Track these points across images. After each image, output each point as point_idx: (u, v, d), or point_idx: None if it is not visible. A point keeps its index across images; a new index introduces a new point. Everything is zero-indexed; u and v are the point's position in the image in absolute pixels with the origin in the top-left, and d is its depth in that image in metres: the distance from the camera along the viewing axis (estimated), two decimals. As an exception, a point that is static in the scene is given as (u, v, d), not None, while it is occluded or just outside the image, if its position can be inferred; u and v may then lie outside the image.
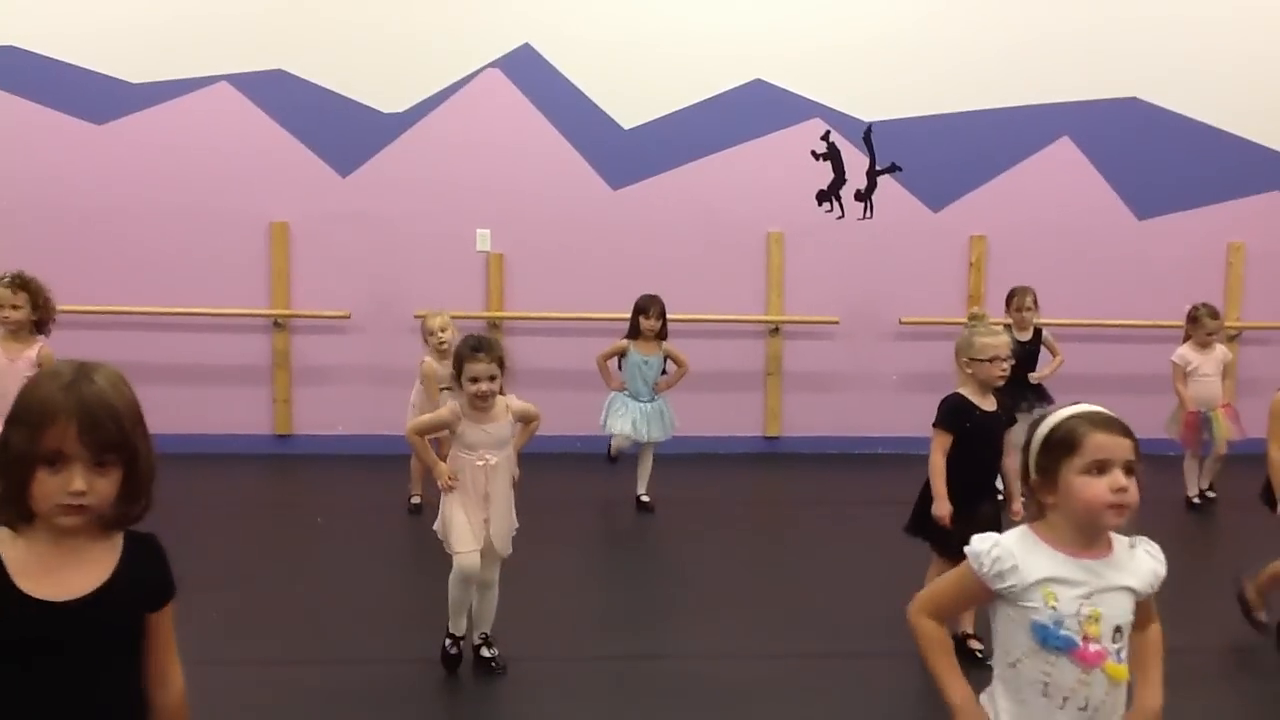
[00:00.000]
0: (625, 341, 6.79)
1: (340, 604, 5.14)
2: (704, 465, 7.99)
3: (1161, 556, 2.34)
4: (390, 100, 8.21)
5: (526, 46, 8.28)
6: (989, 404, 4.56)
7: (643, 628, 5.06)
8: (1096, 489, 2.20)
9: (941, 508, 4.44)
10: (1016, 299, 7.31)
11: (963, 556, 4.47)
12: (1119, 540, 2.31)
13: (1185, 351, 7.09)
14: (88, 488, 1.90)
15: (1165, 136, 8.73)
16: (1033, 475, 2.32)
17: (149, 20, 7.98)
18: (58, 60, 7.95)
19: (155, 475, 2.05)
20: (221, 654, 4.32)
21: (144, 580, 2.05)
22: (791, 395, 8.71)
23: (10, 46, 7.92)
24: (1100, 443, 2.22)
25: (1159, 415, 7.83)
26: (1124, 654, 2.26)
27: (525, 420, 4.39)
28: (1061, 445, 2.25)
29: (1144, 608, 2.34)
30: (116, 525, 2.01)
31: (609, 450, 6.96)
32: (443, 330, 6.46)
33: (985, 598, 2.32)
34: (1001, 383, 4.55)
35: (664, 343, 6.82)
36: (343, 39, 8.13)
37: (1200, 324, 7.04)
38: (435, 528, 4.38)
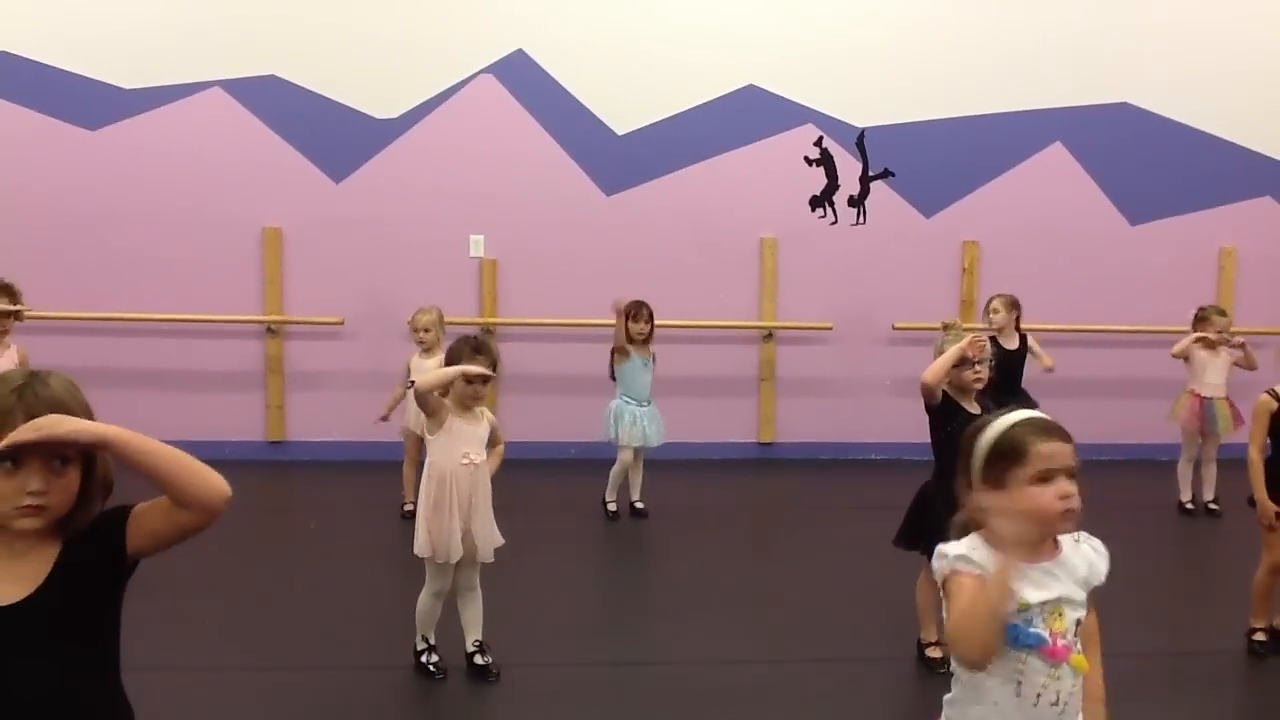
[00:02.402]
0: (626, 345, 6.80)
1: (333, 610, 5.13)
2: (697, 471, 7.98)
3: (1104, 551, 2.38)
4: (383, 106, 8.21)
5: (520, 52, 8.29)
6: (971, 408, 4.56)
7: (635, 633, 5.06)
8: (1046, 498, 2.23)
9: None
10: (990, 303, 7.31)
11: None
12: (1064, 539, 2.35)
13: (1189, 346, 7.11)
14: (46, 487, 1.87)
15: (1157, 142, 8.75)
16: (976, 483, 2.34)
17: (141, 26, 7.97)
18: (50, 66, 7.94)
19: (113, 485, 2.00)
20: (214, 660, 4.31)
21: (90, 557, 1.96)
22: (785, 401, 8.71)
23: (2, 52, 7.91)
24: (1046, 451, 2.25)
25: (1152, 419, 7.87)
26: (1079, 645, 2.31)
27: (494, 441, 4.39)
28: (1009, 455, 2.27)
29: (1089, 612, 2.38)
30: (72, 529, 1.95)
31: (606, 508, 6.87)
32: (426, 330, 6.63)
33: None
34: (978, 386, 4.53)
35: (652, 347, 6.89)
36: (336, 44, 8.13)
37: (1210, 322, 7.07)
38: (416, 550, 4.36)
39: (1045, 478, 2.23)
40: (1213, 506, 7.12)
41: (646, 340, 6.84)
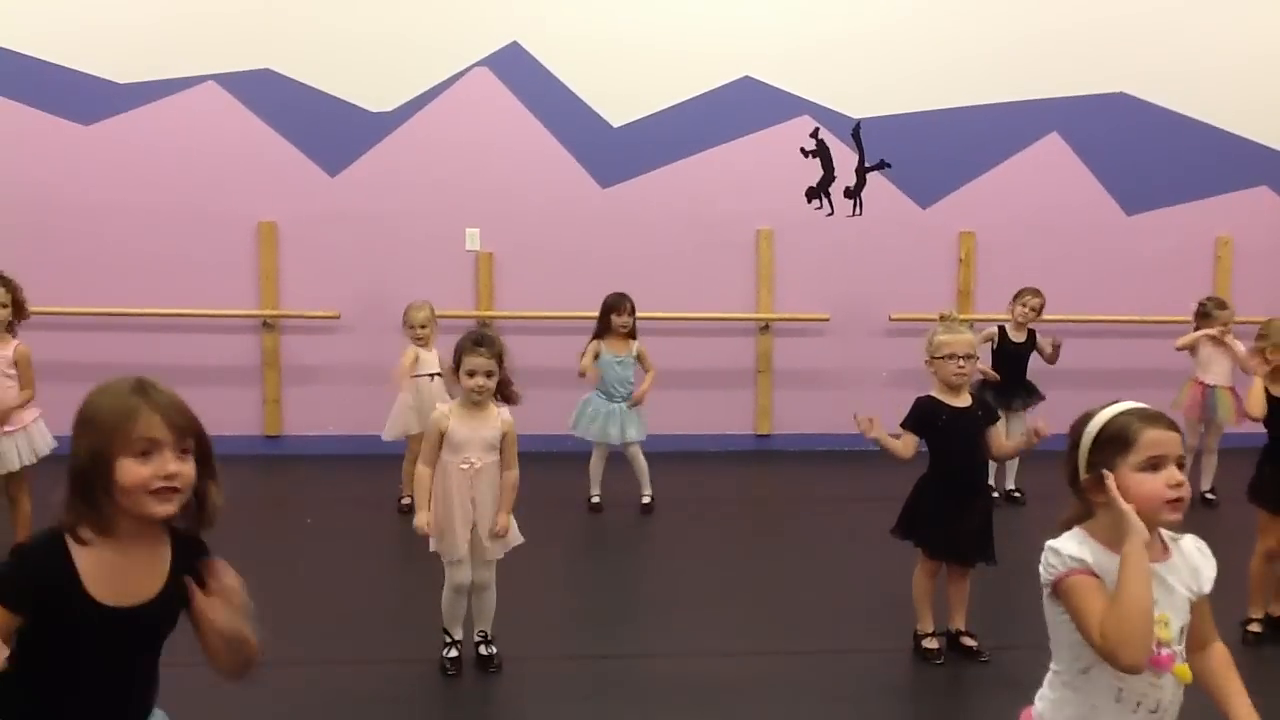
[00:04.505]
0: (597, 343, 6.75)
1: (330, 605, 5.13)
2: (695, 463, 7.98)
3: (1210, 553, 2.33)
4: (378, 99, 8.19)
5: (515, 45, 8.27)
6: (960, 400, 4.56)
7: (634, 626, 5.07)
8: (1154, 485, 2.18)
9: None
10: (1022, 297, 7.18)
11: (952, 557, 4.47)
12: (1170, 540, 2.30)
13: (1190, 337, 7.15)
14: (178, 470, 2.06)
15: (1153, 132, 8.75)
16: (1082, 474, 2.28)
17: (135, 20, 7.95)
18: (44, 61, 7.91)
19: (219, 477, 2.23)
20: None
21: (192, 567, 2.19)
22: (782, 393, 8.71)
23: (-4, 47, 7.90)
24: (1155, 438, 2.20)
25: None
26: (1184, 653, 2.26)
27: (506, 462, 4.30)
28: (1114, 442, 2.23)
29: (1202, 616, 2.32)
30: (202, 519, 2.17)
31: (590, 502, 6.88)
32: (423, 326, 6.65)
33: None
34: (959, 381, 4.53)
35: (635, 342, 6.80)
36: (330, 38, 8.11)
37: (1213, 318, 7.09)
38: (433, 548, 4.36)
39: (1154, 465, 2.19)
40: (1209, 496, 7.11)
41: (629, 334, 6.76)
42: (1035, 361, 7.28)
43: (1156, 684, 2.22)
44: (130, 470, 2.02)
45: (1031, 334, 7.23)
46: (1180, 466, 2.20)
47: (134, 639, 2.13)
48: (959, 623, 4.63)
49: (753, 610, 5.19)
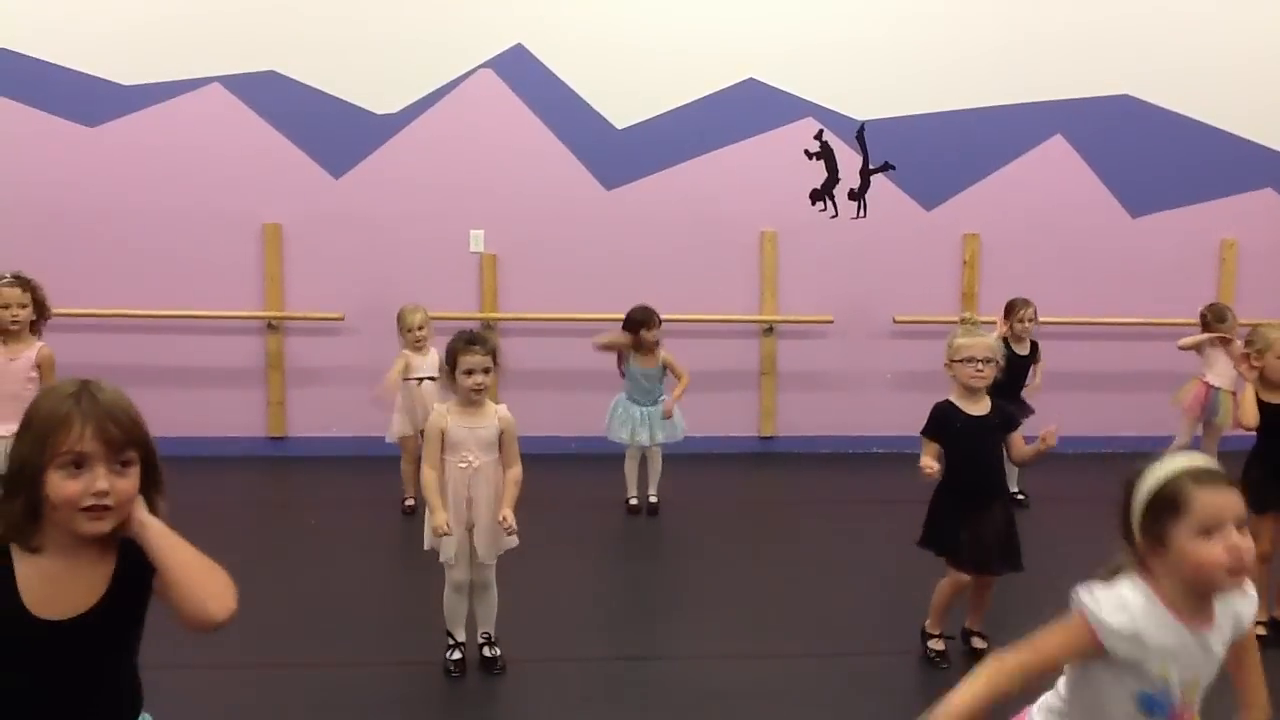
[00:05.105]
0: (627, 337, 6.73)
1: (334, 606, 5.13)
2: (698, 465, 7.98)
3: (1254, 594, 2.27)
4: (383, 101, 8.20)
5: (519, 47, 8.27)
6: (978, 407, 4.46)
7: (638, 628, 5.07)
8: (1212, 553, 2.08)
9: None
10: (1018, 310, 7.01)
11: (975, 568, 4.42)
12: (1217, 600, 2.22)
13: (1200, 342, 7.14)
14: (110, 488, 1.92)
15: (1158, 134, 8.74)
16: (1137, 538, 2.19)
17: (140, 22, 7.96)
18: (49, 63, 7.93)
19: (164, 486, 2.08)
20: (214, 657, 4.31)
21: (141, 573, 2.06)
22: (786, 395, 8.71)
23: (1, 49, 7.90)
24: (1210, 502, 2.10)
25: (1152, 412, 7.87)
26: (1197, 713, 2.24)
27: (508, 460, 4.28)
28: (1168, 508, 2.13)
29: (1243, 662, 2.31)
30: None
31: (628, 504, 6.90)
32: (420, 329, 6.64)
33: (1089, 656, 2.21)
34: (978, 384, 4.42)
35: (662, 352, 6.78)
36: (335, 40, 8.12)
37: (1212, 329, 7.08)
38: (428, 546, 4.36)
39: (1210, 530, 2.09)
40: None
41: (655, 348, 6.74)
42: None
43: None
44: (59, 485, 1.90)
45: (1034, 346, 7.09)
46: (1240, 528, 2.10)
47: (76, 652, 2.00)
48: (975, 623, 4.62)
49: (756, 612, 5.19)
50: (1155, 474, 2.18)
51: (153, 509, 2.03)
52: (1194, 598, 2.17)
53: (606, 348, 6.83)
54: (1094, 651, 2.18)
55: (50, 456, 1.90)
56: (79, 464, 1.91)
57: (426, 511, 4.29)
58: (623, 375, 6.83)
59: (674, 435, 6.85)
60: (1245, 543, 2.10)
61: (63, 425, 1.91)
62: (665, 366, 6.79)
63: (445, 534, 4.17)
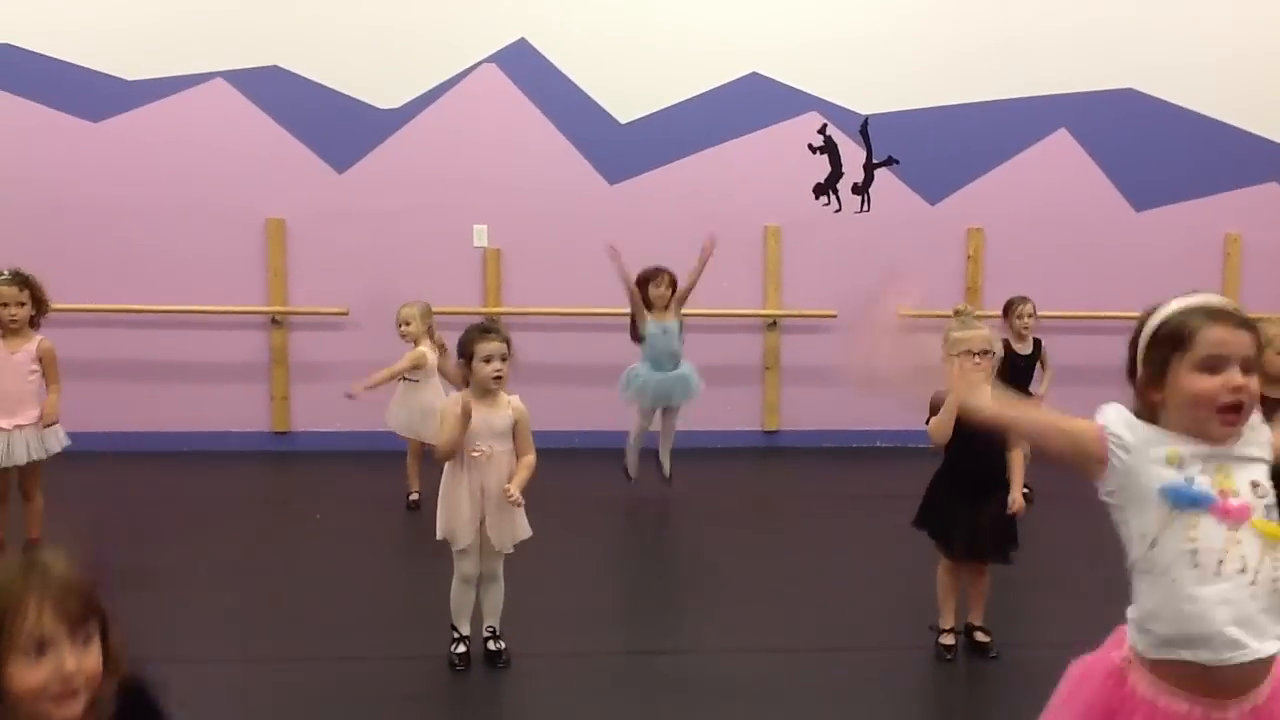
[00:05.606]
0: (645, 313, 6.74)
1: (339, 600, 5.14)
2: (703, 460, 7.98)
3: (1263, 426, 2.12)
4: (386, 96, 8.20)
5: (522, 41, 8.27)
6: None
7: (642, 622, 5.07)
8: (1207, 386, 1.98)
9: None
10: (1016, 308, 7.03)
11: (964, 556, 4.41)
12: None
13: None
14: (77, 668, 1.75)
15: (1162, 128, 8.72)
16: (1139, 370, 2.12)
17: (144, 17, 7.97)
18: (53, 58, 7.93)
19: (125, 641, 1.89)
20: (220, 652, 4.33)
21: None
22: (790, 389, 8.70)
23: (5, 44, 7.91)
24: (1216, 337, 2.00)
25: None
26: (1275, 515, 2.04)
27: (522, 448, 4.30)
28: (1170, 339, 2.05)
29: None
30: (100, 710, 1.84)
31: (626, 471, 6.94)
32: (406, 324, 6.61)
33: (1091, 455, 2.11)
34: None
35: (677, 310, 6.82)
36: (338, 35, 8.12)
37: None
38: (440, 535, 4.37)
39: (1212, 367, 1.99)
40: None
41: (668, 306, 6.80)
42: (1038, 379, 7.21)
43: (1235, 538, 2.00)
44: (23, 676, 1.72)
45: (1038, 344, 7.08)
46: (1248, 370, 1.97)
47: None
48: (975, 618, 4.61)
49: (761, 607, 5.19)
50: (1167, 308, 2.11)
51: (109, 688, 1.83)
52: (1194, 435, 2.05)
53: (630, 295, 6.78)
54: (1097, 448, 2.11)
55: (10, 645, 1.71)
56: (42, 649, 1.73)
57: (439, 503, 4.30)
58: (637, 341, 6.80)
59: (691, 393, 6.83)
60: (1250, 385, 1.98)
61: (20, 610, 1.71)
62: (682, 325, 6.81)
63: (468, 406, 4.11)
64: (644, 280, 6.78)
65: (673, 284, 6.80)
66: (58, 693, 1.74)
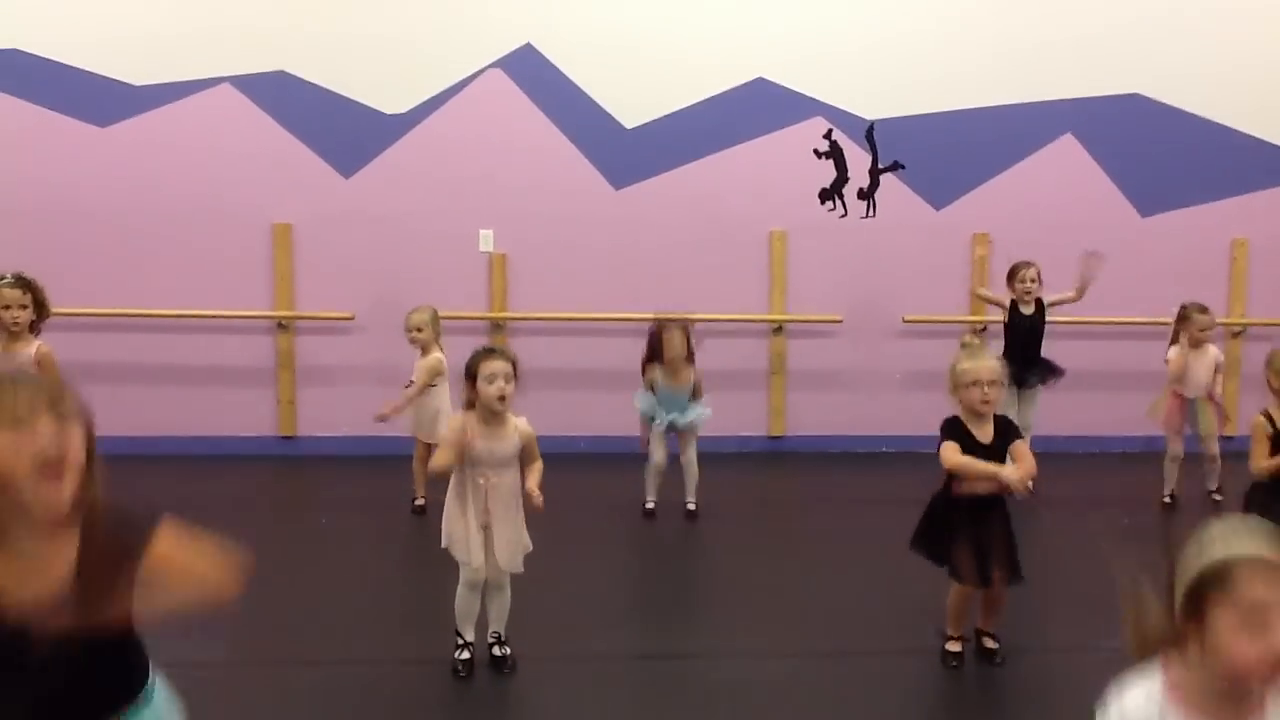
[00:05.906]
0: (653, 368, 6.52)
1: (345, 605, 5.15)
2: (708, 465, 7.94)
3: None
4: (392, 101, 8.21)
5: (528, 46, 8.28)
6: (984, 433, 4.37)
7: (649, 627, 5.07)
8: (1250, 651, 1.82)
9: (1002, 473, 4.31)
10: (1019, 273, 7.42)
11: (979, 583, 4.35)
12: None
13: (1176, 355, 7.00)
14: (53, 442, 1.84)
15: (1168, 133, 8.71)
16: (1177, 604, 1.92)
17: (151, 22, 7.99)
18: (60, 63, 7.96)
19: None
20: (226, 655, 4.33)
21: (112, 548, 1.97)
22: (795, 394, 8.70)
23: (12, 49, 7.93)
24: (1260, 596, 1.82)
25: (1163, 413, 7.84)
26: None
27: (530, 457, 4.30)
28: (1213, 584, 1.87)
29: None
30: (86, 513, 1.93)
31: (645, 507, 6.80)
32: (418, 330, 6.61)
33: None
34: (986, 410, 4.35)
35: (693, 369, 6.53)
36: (344, 40, 8.13)
37: (1191, 321, 6.98)
38: (444, 545, 4.37)
39: (1258, 625, 1.81)
40: (1216, 497, 6.97)
41: (686, 360, 6.48)
42: (1049, 342, 7.32)
43: None
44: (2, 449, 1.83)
45: (1040, 304, 7.32)
46: None
47: (41, 647, 1.87)
48: (986, 625, 4.61)
49: (768, 611, 5.19)
50: (1213, 547, 1.91)
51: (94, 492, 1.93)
52: (1228, 696, 1.92)
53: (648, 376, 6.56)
54: None
55: None
56: (18, 425, 1.80)
57: (444, 518, 4.31)
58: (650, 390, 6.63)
59: (699, 415, 6.64)
60: None
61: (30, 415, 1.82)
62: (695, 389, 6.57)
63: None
64: (658, 334, 6.44)
65: (688, 336, 6.44)
66: (42, 469, 1.80)
